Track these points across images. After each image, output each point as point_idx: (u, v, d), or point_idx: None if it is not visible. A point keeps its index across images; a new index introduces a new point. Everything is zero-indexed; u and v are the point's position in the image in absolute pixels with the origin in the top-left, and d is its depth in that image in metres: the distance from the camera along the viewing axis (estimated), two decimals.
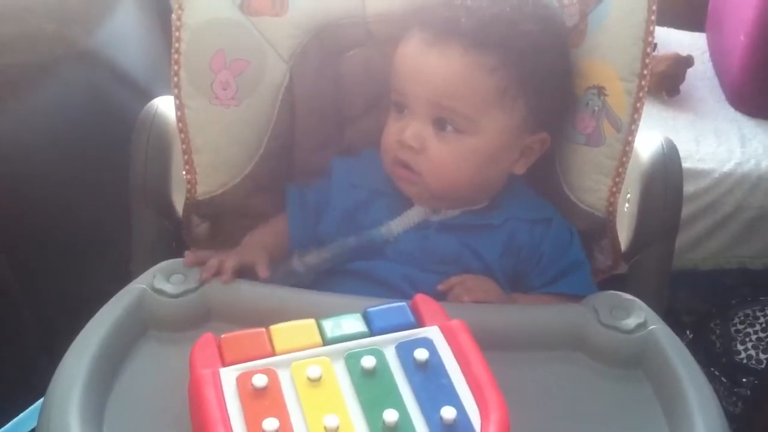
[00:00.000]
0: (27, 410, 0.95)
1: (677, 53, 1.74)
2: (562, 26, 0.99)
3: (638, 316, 0.87)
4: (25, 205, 1.15)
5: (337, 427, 0.68)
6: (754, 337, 1.52)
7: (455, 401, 0.70)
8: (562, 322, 0.89)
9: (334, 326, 0.77)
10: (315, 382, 0.72)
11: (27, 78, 1.16)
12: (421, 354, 0.74)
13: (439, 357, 0.74)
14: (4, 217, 1.11)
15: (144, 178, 1.01)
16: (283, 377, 0.72)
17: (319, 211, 1.03)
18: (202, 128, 0.97)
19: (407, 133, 0.95)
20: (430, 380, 0.72)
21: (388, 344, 0.75)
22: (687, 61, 1.73)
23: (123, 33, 1.37)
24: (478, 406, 0.70)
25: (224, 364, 0.73)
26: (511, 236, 0.98)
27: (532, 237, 0.99)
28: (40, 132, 1.18)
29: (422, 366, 0.73)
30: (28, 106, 1.16)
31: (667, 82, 1.71)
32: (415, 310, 0.80)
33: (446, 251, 0.97)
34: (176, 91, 0.96)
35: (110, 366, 0.80)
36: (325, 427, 0.67)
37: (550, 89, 0.97)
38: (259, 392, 0.70)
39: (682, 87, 1.74)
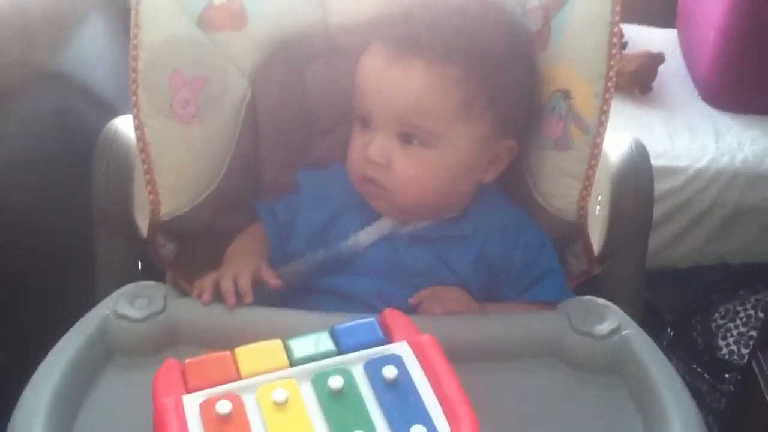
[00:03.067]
0: None
1: (648, 50, 1.74)
2: (525, 33, 0.99)
3: (612, 321, 0.86)
4: None
5: None
6: (735, 332, 1.52)
7: (425, 419, 0.69)
8: (536, 330, 0.88)
9: (301, 346, 0.75)
10: (281, 405, 0.70)
11: None
12: (389, 372, 0.72)
13: (408, 374, 0.73)
14: None
15: (106, 199, 0.99)
16: (248, 402, 0.70)
17: (289, 227, 1.01)
18: (163, 147, 0.95)
19: (372, 149, 0.94)
20: (399, 398, 0.71)
21: (356, 363, 0.74)
22: (658, 58, 1.73)
23: (89, 52, 1.36)
24: (449, 423, 0.69)
25: (188, 391, 0.71)
26: (483, 245, 0.97)
27: (503, 245, 0.98)
28: (7, 156, 1.16)
29: (391, 384, 0.72)
30: None
31: (638, 80, 1.71)
32: (383, 326, 0.78)
33: (417, 263, 0.96)
34: (135, 110, 0.94)
35: (74, 395, 0.78)
36: None
37: (515, 97, 0.96)
38: (224, 419, 0.68)
39: (654, 84, 1.74)
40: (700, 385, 1.50)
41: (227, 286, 0.89)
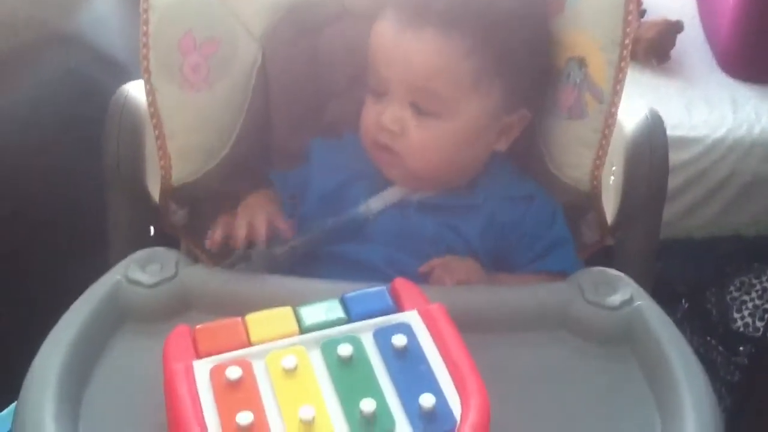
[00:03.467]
0: (5, 411, 0.94)
1: (666, 18, 1.71)
2: (541, 5, 0.97)
3: (624, 292, 0.85)
4: (4, 193, 1.13)
5: (313, 419, 0.66)
6: (750, 304, 1.51)
7: (434, 388, 0.68)
8: (547, 300, 0.87)
9: (311, 314, 0.75)
10: (290, 372, 0.70)
11: (2, 63, 1.14)
12: (399, 340, 0.72)
13: (417, 343, 0.73)
14: None
15: (117, 165, 0.99)
16: (258, 368, 0.70)
17: (300, 194, 1.01)
18: (174, 113, 0.95)
19: (386, 117, 0.94)
20: (408, 367, 0.71)
21: (365, 331, 0.74)
22: (676, 27, 1.70)
23: (102, 15, 1.35)
24: (458, 392, 0.68)
25: (198, 357, 0.71)
26: (493, 215, 0.97)
27: (513, 215, 0.97)
28: (19, 118, 1.16)
29: (400, 352, 0.71)
30: (5, 93, 1.14)
31: (656, 48, 1.68)
32: (394, 295, 0.78)
33: (426, 230, 0.95)
34: (146, 75, 0.93)
35: (86, 360, 0.78)
36: (300, 419, 0.66)
37: (528, 66, 0.95)
38: (233, 385, 0.68)
39: (672, 53, 1.71)
40: (714, 358, 1.49)
41: (240, 233, 0.91)
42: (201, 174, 0.98)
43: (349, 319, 0.75)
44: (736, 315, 1.51)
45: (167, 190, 0.98)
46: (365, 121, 0.97)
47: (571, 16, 0.96)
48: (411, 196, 0.98)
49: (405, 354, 0.71)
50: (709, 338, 1.51)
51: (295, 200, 1.01)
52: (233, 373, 0.69)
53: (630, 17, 0.92)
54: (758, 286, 1.53)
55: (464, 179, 0.99)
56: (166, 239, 1.03)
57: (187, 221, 1.04)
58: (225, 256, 0.96)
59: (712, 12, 1.76)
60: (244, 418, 0.65)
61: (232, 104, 0.99)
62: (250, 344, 0.73)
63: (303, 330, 0.74)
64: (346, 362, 0.71)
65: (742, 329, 1.49)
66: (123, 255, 0.89)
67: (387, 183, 0.98)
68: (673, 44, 1.70)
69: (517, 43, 0.94)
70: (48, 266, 1.19)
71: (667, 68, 1.69)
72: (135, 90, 1.01)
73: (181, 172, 0.97)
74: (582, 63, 0.95)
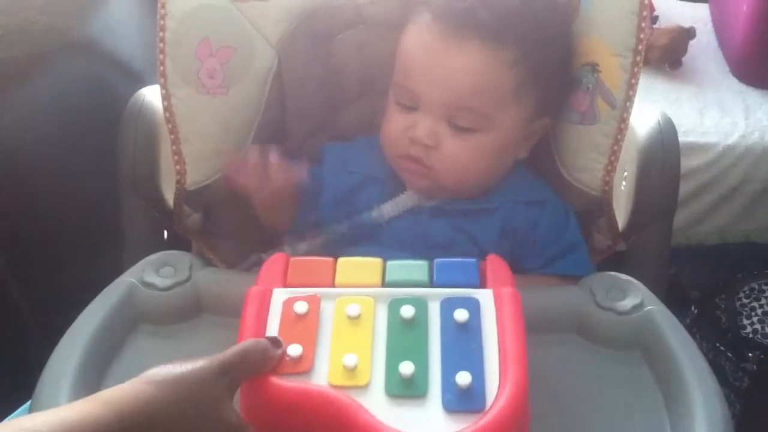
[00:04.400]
0: (19, 409, 0.95)
1: (679, 25, 1.71)
2: (566, 9, 0.97)
3: (635, 296, 0.86)
4: (22, 198, 1.14)
5: (355, 366, 0.69)
6: (759, 311, 1.50)
7: (477, 368, 0.69)
8: (559, 304, 0.87)
9: (396, 270, 0.79)
10: (352, 319, 0.74)
11: (20, 71, 1.15)
12: (461, 315, 0.73)
13: (479, 321, 0.74)
14: (2, 212, 1.11)
15: (133, 169, 1.00)
16: (326, 308, 0.74)
17: (314, 197, 1.01)
18: (190, 117, 0.96)
19: (421, 131, 0.93)
20: (461, 341, 0.72)
21: (436, 298, 0.76)
22: (689, 33, 1.70)
23: (118, 22, 1.36)
24: (500, 379, 0.69)
25: (284, 285, 0.77)
26: (507, 219, 0.97)
27: (527, 219, 0.97)
28: (36, 125, 1.17)
29: (460, 326, 0.73)
30: (23, 100, 1.15)
31: (669, 54, 1.69)
32: (482, 270, 0.79)
33: (439, 236, 0.96)
34: (162, 80, 0.94)
35: (100, 361, 0.79)
36: (343, 364, 0.69)
37: (558, 76, 0.96)
38: (298, 318, 0.73)
39: (685, 59, 1.71)
40: (723, 364, 1.48)
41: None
42: (215, 178, 0.99)
43: (430, 283, 0.78)
44: (745, 321, 1.50)
45: (181, 194, 0.98)
46: (391, 133, 0.96)
47: (584, 23, 0.96)
48: (425, 202, 0.98)
49: (462, 328, 0.73)
50: (718, 344, 1.51)
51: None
52: (301, 307, 0.74)
53: (643, 24, 0.92)
54: None
55: (488, 187, 0.99)
56: (178, 242, 1.04)
57: (201, 225, 1.05)
58: (238, 260, 0.97)
59: (725, 18, 1.76)
60: (294, 350, 0.70)
61: (247, 109, 1.00)
62: (333, 285, 0.77)
63: (384, 284, 0.77)
64: (406, 323, 0.74)
65: (751, 335, 1.48)
66: (137, 257, 0.90)
67: (400, 188, 0.98)
68: (685, 50, 1.71)
69: (553, 52, 0.94)
70: (64, 268, 1.20)
71: (680, 74, 1.70)
72: (151, 95, 1.02)
73: (196, 177, 0.98)
74: (595, 68, 0.95)
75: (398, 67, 0.96)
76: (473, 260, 0.80)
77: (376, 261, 0.79)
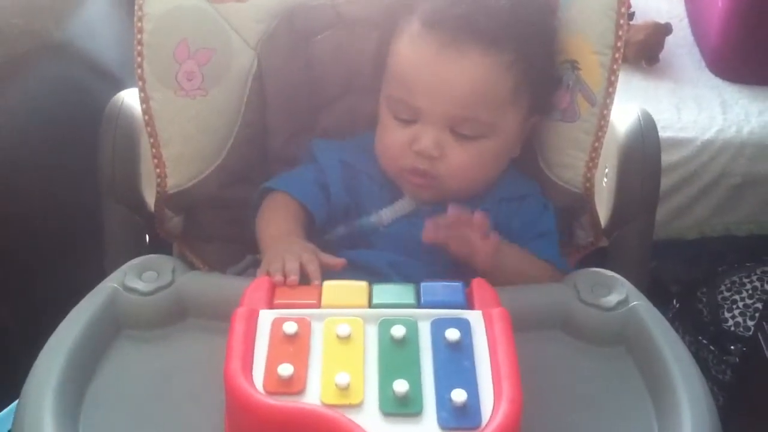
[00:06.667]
0: (2, 412, 0.94)
1: (655, 21, 1.72)
2: (551, 6, 0.97)
3: (619, 292, 0.86)
4: (1, 203, 1.13)
5: (347, 385, 0.68)
6: (741, 304, 1.51)
7: (471, 386, 0.69)
8: (543, 301, 0.88)
9: (383, 292, 0.79)
10: (342, 339, 0.73)
11: None
12: (452, 334, 0.73)
13: (470, 340, 0.74)
14: None
15: (112, 173, 0.99)
16: (315, 329, 0.74)
17: (324, 186, 0.99)
18: (169, 120, 0.95)
19: (425, 143, 0.92)
20: (453, 360, 0.72)
21: (425, 319, 0.76)
22: (665, 29, 1.71)
23: (94, 24, 1.35)
24: (494, 396, 0.69)
25: (270, 306, 0.76)
26: (495, 217, 0.96)
27: (506, 215, 0.98)
28: (13, 129, 1.16)
29: (451, 345, 0.73)
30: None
31: (645, 50, 1.69)
32: (468, 293, 0.80)
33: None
34: (140, 83, 0.94)
35: (84, 367, 0.79)
36: (335, 383, 0.68)
37: (548, 75, 0.96)
38: (288, 338, 0.73)
39: (662, 55, 1.72)
40: (705, 357, 1.50)
41: (293, 266, 0.83)
42: (196, 181, 0.98)
43: (418, 305, 0.78)
44: (727, 314, 1.51)
45: (162, 198, 0.98)
46: (392, 147, 0.95)
47: (563, 20, 0.96)
48: (422, 205, 0.97)
49: (454, 348, 0.73)
50: (700, 337, 1.52)
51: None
52: (290, 327, 0.73)
53: (622, 21, 0.93)
54: (749, 286, 1.53)
55: (487, 188, 0.99)
56: (160, 246, 1.03)
57: (182, 228, 1.04)
58: (229, 262, 0.96)
59: (701, 14, 1.77)
60: (285, 369, 0.69)
61: (228, 111, 0.99)
62: (319, 306, 0.77)
63: (371, 306, 0.77)
64: (396, 342, 0.73)
65: (733, 328, 1.49)
66: (119, 262, 0.89)
67: (397, 192, 0.98)
68: (662, 46, 1.71)
69: (544, 52, 0.94)
70: (47, 269, 1.19)
71: (657, 70, 1.70)
72: (130, 98, 1.01)
73: (177, 180, 0.97)
74: (574, 66, 0.96)
75: (392, 81, 0.95)
76: (459, 283, 0.80)
77: (362, 284, 0.79)
